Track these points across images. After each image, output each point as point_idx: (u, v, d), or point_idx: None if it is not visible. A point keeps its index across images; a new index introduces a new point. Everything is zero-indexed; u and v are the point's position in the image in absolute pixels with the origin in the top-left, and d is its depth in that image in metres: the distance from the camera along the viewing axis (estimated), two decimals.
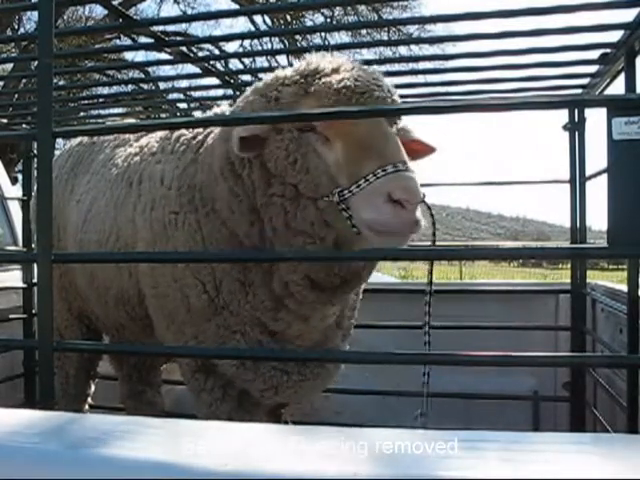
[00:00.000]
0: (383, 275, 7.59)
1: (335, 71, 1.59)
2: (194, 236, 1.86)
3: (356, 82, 1.54)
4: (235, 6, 13.08)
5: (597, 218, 1.84)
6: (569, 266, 3.11)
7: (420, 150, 1.75)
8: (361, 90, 1.53)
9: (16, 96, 5.18)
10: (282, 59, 11.14)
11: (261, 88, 1.69)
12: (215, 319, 1.84)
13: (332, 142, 1.54)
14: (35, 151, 3.39)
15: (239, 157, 1.66)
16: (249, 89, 1.75)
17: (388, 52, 11.14)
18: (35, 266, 1.53)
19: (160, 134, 2.27)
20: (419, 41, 9.64)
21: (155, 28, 3.29)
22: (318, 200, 1.54)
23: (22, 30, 13.89)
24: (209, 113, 2.59)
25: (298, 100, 1.59)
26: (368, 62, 1.95)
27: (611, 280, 3.22)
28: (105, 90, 10.89)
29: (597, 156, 1.79)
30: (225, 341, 1.84)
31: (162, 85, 9.06)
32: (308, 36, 10.32)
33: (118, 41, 13.66)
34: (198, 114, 3.61)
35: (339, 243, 1.59)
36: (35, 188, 2.72)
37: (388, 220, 1.41)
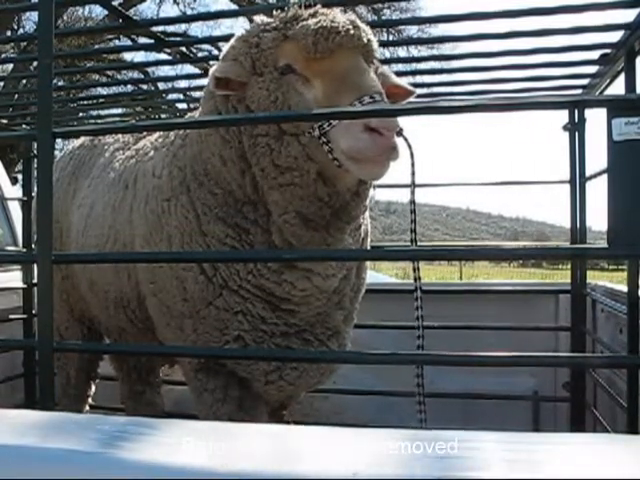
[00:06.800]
0: (383, 275, 7.61)
1: (312, 16, 1.63)
2: (187, 216, 1.86)
3: (332, 23, 1.58)
4: (235, 6, 13.10)
5: (597, 218, 1.84)
6: (569, 266, 3.11)
7: (399, 93, 1.82)
8: (337, 29, 1.57)
9: (16, 96, 5.19)
10: None
11: (244, 34, 1.74)
12: (215, 302, 1.82)
13: (312, 81, 1.60)
14: (35, 151, 3.39)
15: (225, 106, 1.74)
16: (234, 36, 1.78)
17: (387, 53, 11.14)
18: (35, 266, 1.53)
19: (157, 136, 2.27)
20: (421, 42, 9.64)
21: (155, 29, 3.30)
22: (300, 136, 1.59)
23: (21, 31, 13.92)
24: None
25: (278, 45, 1.65)
26: None
27: (611, 280, 3.22)
28: (105, 90, 10.90)
29: (597, 156, 1.79)
30: (227, 325, 1.82)
31: (162, 85, 9.08)
32: None
33: (118, 41, 13.67)
34: (198, 114, 3.61)
35: (325, 179, 1.63)
36: (35, 188, 2.72)
37: (365, 146, 1.45)
